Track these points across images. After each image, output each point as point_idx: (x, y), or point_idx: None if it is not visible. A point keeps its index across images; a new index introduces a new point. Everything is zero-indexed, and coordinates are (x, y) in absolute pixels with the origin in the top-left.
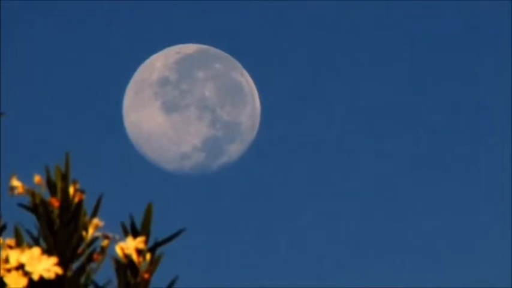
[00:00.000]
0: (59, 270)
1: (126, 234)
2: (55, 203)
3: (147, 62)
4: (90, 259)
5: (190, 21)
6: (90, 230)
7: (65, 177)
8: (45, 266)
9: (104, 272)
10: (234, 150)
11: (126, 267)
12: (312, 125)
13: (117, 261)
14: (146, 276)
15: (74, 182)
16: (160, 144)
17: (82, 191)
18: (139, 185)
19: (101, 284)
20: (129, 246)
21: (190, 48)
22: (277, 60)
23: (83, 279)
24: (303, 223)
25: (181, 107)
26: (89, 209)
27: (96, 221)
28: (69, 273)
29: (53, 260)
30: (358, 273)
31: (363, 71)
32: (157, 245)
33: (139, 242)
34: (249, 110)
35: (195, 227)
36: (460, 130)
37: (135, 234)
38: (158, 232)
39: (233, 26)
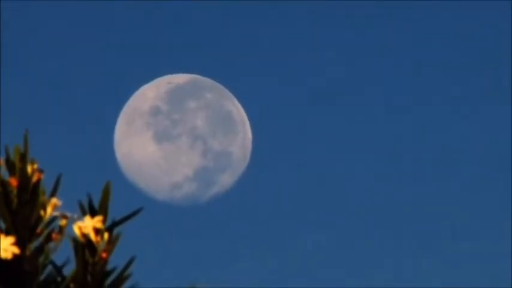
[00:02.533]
0: (16, 249)
1: (84, 213)
2: (13, 182)
3: (139, 92)
4: (48, 239)
5: (181, 51)
6: (49, 210)
7: (23, 157)
8: (3, 245)
9: (62, 252)
10: (226, 180)
11: (84, 246)
12: (303, 155)
13: (75, 241)
14: (104, 255)
15: (33, 162)
16: (152, 174)
17: (41, 171)
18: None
19: (59, 263)
20: (87, 225)
21: (181, 78)
22: (269, 89)
23: (41, 259)
24: (295, 252)
25: (172, 137)
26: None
27: (54, 200)
28: (28, 253)
29: (10, 239)
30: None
31: (355, 98)
32: (115, 224)
33: (97, 222)
34: (241, 139)
35: (187, 257)
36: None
37: (93, 214)
38: (116, 211)
39: (224, 55)
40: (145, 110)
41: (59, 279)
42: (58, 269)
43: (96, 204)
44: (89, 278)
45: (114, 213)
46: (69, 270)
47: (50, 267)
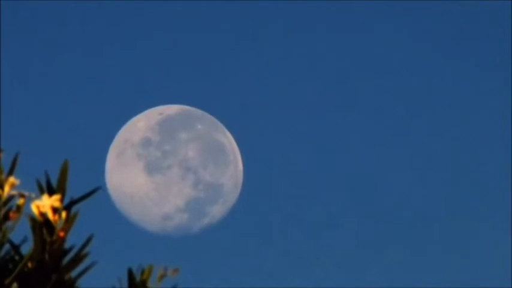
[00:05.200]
0: None
1: (41, 192)
2: None
3: (129, 123)
4: (6, 217)
5: (172, 82)
6: (6, 188)
7: None
8: None
9: (19, 231)
10: (217, 211)
11: (41, 225)
12: (295, 185)
13: (32, 220)
14: (62, 234)
15: None
16: (143, 205)
17: None
18: (122, 246)
19: (17, 242)
20: (45, 204)
21: (172, 109)
22: (260, 120)
23: None
24: (287, 283)
25: (163, 168)
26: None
27: (12, 179)
28: None
29: None
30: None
31: (347, 125)
32: (72, 203)
33: (54, 200)
34: (232, 170)
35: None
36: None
37: (51, 192)
38: (74, 190)
39: (215, 86)
40: (136, 141)
41: (16, 257)
42: (16, 248)
43: (54, 183)
44: (46, 256)
45: (105, 242)
46: (26, 249)
47: (7, 246)
